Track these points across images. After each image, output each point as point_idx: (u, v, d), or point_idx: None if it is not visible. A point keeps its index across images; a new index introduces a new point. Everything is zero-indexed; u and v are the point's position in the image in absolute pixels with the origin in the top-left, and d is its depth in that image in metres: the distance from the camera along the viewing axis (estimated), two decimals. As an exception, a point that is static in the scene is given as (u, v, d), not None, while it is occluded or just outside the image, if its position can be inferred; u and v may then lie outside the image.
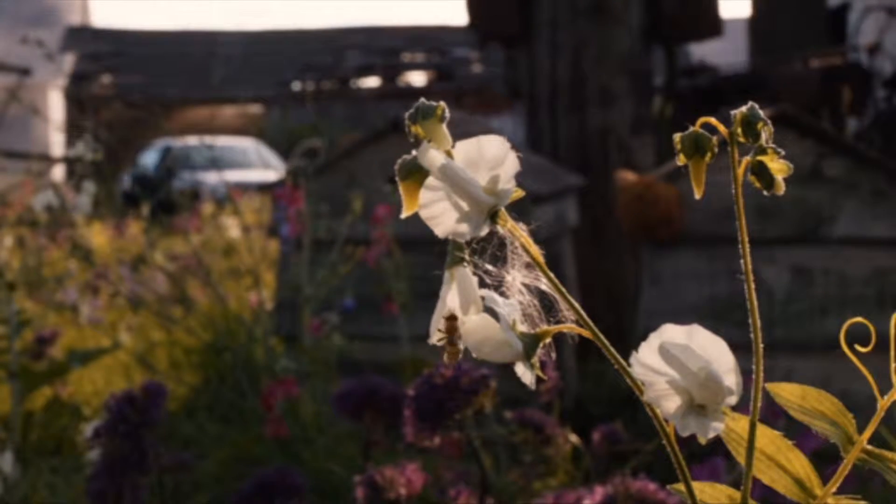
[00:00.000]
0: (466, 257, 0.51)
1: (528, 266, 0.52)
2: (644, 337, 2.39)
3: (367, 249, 2.32)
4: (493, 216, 0.50)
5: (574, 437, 1.61)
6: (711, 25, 3.77)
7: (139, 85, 20.16)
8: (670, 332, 0.49)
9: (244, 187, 9.83)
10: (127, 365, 3.59)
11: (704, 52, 11.98)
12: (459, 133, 2.19)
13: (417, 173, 0.51)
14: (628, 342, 3.08)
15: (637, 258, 3.78)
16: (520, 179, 2.29)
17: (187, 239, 4.73)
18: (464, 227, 0.50)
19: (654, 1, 3.70)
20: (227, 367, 2.50)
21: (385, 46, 23.77)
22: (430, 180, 0.50)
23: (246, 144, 15.71)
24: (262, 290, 2.59)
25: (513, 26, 3.71)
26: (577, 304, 0.53)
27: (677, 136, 0.51)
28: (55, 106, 20.11)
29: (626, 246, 3.70)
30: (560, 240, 3.19)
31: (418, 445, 1.05)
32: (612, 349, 0.55)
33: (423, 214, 0.50)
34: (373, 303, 2.75)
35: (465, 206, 0.49)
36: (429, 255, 2.70)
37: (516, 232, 0.51)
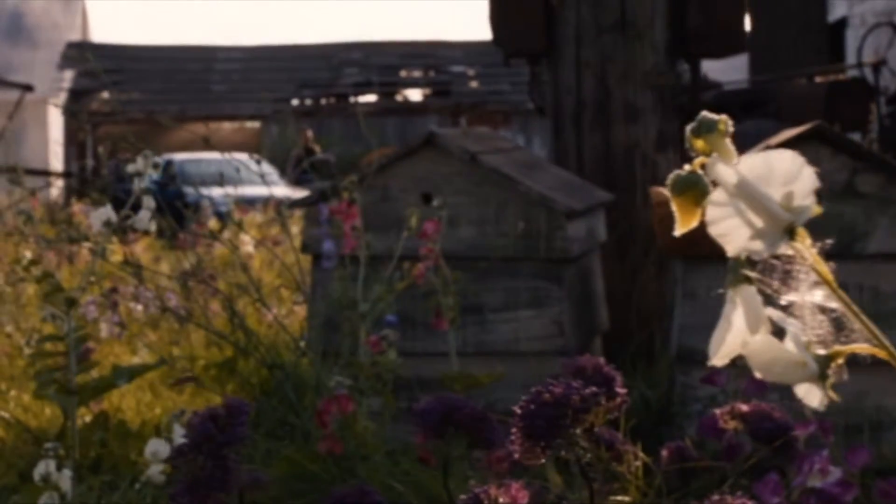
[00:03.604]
0: (752, 276, 0.50)
1: (815, 285, 0.51)
2: (678, 353, 2.41)
3: (412, 265, 2.32)
4: (789, 233, 0.49)
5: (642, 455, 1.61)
6: (735, 41, 3.78)
7: (138, 101, 20.15)
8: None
9: (248, 202, 9.79)
10: (151, 381, 3.58)
11: (706, 67, 12.00)
12: (491, 148, 2.18)
13: (695, 188, 0.49)
14: (658, 360, 3.05)
15: (662, 275, 3.78)
16: (552, 194, 2.29)
17: (198, 253, 4.72)
18: (758, 245, 0.48)
19: (679, 17, 3.71)
20: (271, 383, 2.49)
21: (382, 63, 23.81)
22: (717, 196, 0.49)
23: (246, 160, 15.70)
24: (306, 307, 2.58)
25: (538, 43, 3.72)
26: (870, 324, 0.52)
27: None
28: (54, 121, 20.09)
29: (650, 262, 3.70)
30: (591, 255, 3.19)
31: (525, 464, 1.04)
32: None
33: (713, 231, 0.49)
34: (409, 319, 2.75)
35: (758, 222, 0.48)
36: (467, 270, 2.70)
37: (809, 251, 0.50)
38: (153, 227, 1.83)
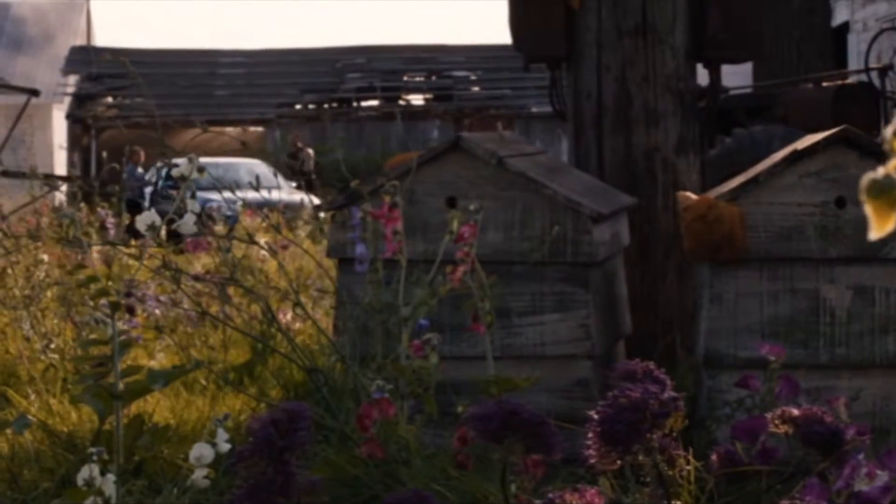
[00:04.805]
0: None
1: None
2: (705, 357, 2.43)
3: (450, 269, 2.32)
4: None
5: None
6: (755, 46, 3.79)
7: (142, 105, 20.16)
8: None
9: (256, 206, 9.79)
10: (172, 384, 3.58)
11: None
12: (516, 152, 2.19)
13: (891, 192, 0.49)
14: (680, 364, 3.04)
15: (683, 280, 3.78)
16: (578, 198, 2.30)
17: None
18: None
19: (699, 21, 3.72)
20: (300, 387, 2.49)
21: (385, 67, 23.82)
22: (919, 199, 0.49)
23: (249, 164, 15.73)
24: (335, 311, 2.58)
25: (559, 48, 3.72)
26: None
27: None
28: (58, 126, 20.11)
29: (671, 267, 3.70)
30: (615, 259, 3.19)
31: (602, 468, 1.04)
32: None
33: (916, 235, 0.49)
34: (434, 322, 2.74)
35: (965, 225, 0.48)
36: (493, 275, 2.69)
37: None
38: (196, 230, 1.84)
